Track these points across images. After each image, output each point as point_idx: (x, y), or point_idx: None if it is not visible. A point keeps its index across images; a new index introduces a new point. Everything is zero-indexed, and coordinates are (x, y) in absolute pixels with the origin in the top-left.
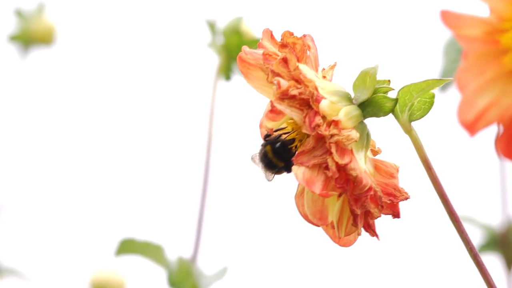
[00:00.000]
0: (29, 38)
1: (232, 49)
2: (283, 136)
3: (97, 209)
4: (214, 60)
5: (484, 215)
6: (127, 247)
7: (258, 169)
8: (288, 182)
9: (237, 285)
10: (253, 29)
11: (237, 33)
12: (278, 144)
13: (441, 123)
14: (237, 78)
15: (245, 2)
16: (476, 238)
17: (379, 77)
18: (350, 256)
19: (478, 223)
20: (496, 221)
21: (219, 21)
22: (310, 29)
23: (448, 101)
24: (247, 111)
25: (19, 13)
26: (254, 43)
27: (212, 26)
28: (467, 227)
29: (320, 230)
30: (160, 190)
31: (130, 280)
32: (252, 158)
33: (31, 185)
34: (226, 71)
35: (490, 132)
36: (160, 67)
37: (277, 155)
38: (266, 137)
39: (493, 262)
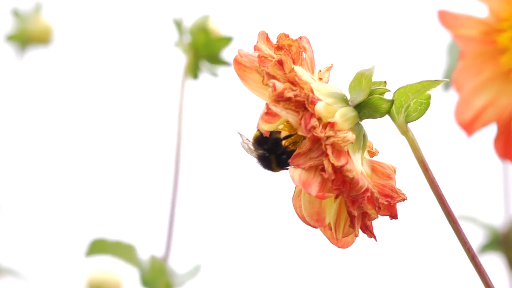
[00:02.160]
0: (26, 38)
1: (199, 48)
2: (289, 148)
3: (82, 209)
4: (181, 58)
5: (486, 214)
6: (98, 247)
7: (240, 144)
8: (261, 182)
9: (210, 283)
10: (220, 27)
11: (204, 31)
12: (284, 156)
13: (438, 123)
14: (205, 76)
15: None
16: (479, 238)
17: (376, 78)
18: (348, 257)
19: (480, 222)
20: (498, 221)
21: (185, 20)
22: (290, 27)
23: (445, 102)
24: (215, 109)
25: (16, 13)
26: (221, 41)
27: (178, 24)
28: (470, 227)
29: (311, 231)
30: (130, 189)
31: (129, 280)
32: (239, 134)
33: (29, 185)
34: (193, 70)
35: (492, 131)
36: (127, 67)
37: (279, 165)
38: (261, 140)
39: (496, 262)
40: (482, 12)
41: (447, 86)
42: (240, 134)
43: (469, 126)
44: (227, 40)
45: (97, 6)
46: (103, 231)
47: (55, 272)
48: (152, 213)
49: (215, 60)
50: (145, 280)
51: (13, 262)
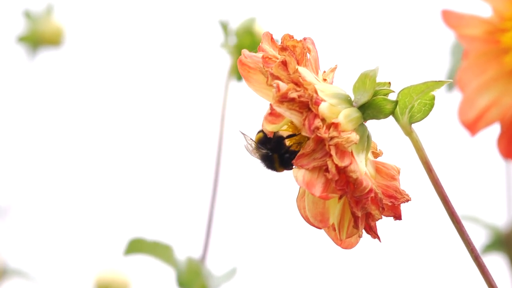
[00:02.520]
0: (38, 39)
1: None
2: (293, 148)
3: (105, 209)
4: (226, 60)
5: (489, 215)
6: (136, 246)
7: (244, 146)
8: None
9: (246, 286)
10: (265, 29)
11: (250, 33)
12: (287, 155)
13: (442, 124)
14: None
15: (258, 2)
16: (481, 238)
17: (380, 79)
18: (353, 257)
19: (483, 223)
20: (501, 221)
21: (232, 22)
22: (319, 30)
23: (449, 102)
24: (258, 111)
25: (27, 14)
26: None
27: (225, 26)
28: (472, 227)
29: (317, 231)
30: (170, 190)
31: (136, 280)
32: (243, 134)
33: (36, 186)
34: (238, 72)
35: (495, 132)
36: (172, 68)
37: (282, 165)
38: (264, 140)
39: (498, 262)
40: (486, 11)
41: (450, 86)
42: (244, 135)
43: (473, 126)
44: None
45: (107, 7)
46: (142, 231)
47: (63, 273)
48: (190, 214)
49: None
50: (181, 281)
51: (21, 263)
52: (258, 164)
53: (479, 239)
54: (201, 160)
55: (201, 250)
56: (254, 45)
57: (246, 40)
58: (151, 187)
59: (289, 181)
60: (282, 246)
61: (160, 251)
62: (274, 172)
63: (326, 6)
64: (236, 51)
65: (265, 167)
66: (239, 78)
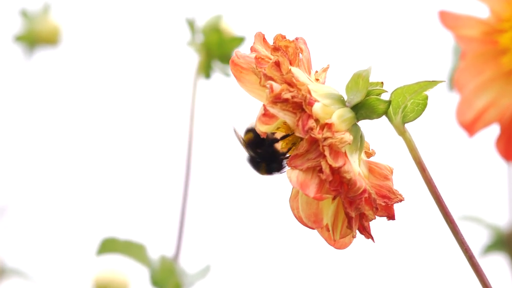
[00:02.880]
0: (35, 38)
1: (212, 47)
2: (286, 148)
3: (92, 209)
4: (194, 58)
5: (491, 215)
6: (109, 246)
7: (236, 138)
8: (271, 183)
9: (220, 284)
10: (232, 27)
11: (216, 31)
12: (275, 165)
13: (436, 123)
14: (217, 76)
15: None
16: (483, 238)
17: (376, 79)
18: (346, 258)
19: (485, 223)
20: (503, 221)
21: (198, 19)
22: (295, 28)
23: (442, 102)
24: (227, 109)
25: (24, 14)
26: (233, 41)
27: (191, 24)
28: (474, 227)
29: (309, 231)
30: (141, 188)
31: (136, 280)
32: (235, 132)
33: (34, 185)
34: (206, 69)
35: (495, 131)
36: (140, 66)
37: (268, 172)
38: (256, 142)
39: (500, 262)
40: (483, 12)
41: (451, 86)
42: (236, 133)
43: (471, 127)
44: (239, 40)
45: (106, 7)
46: (114, 230)
47: (61, 273)
48: (163, 212)
49: (228, 60)
50: (154, 280)
51: (20, 262)
52: (244, 161)
53: (480, 239)
54: (172, 158)
55: (174, 248)
56: (221, 43)
57: (213, 37)
58: (122, 186)
59: (261, 179)
60: (255, 243)
61: (133, 250)
62: (256, 173)
63: (299, 2)
64: (203, 49)
65: (250, 166)
66: (207, 75)
